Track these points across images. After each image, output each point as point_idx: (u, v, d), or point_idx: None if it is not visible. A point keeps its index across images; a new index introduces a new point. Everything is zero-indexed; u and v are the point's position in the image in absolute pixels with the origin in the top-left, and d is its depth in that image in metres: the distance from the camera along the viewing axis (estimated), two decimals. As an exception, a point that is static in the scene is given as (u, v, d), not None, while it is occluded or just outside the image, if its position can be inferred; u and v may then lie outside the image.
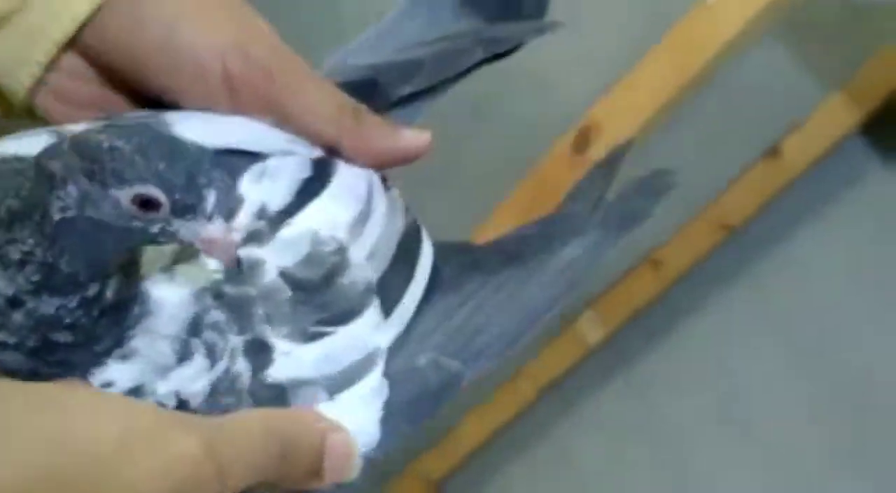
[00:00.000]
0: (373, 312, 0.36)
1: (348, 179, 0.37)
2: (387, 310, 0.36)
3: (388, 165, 0.39)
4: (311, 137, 0.37)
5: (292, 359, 0.33)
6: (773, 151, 1.06)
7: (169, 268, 0.33)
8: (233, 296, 0.33)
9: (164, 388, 0.32)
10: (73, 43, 0.37)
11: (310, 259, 0.34)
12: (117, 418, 0.27)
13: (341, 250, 0.35)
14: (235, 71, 0.36)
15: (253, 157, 0.36)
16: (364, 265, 0.36)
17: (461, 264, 0.40)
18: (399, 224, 0.39)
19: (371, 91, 0.40)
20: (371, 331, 0.35)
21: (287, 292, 0.33)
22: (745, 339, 1.13)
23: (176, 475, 0.26)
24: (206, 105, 0.37)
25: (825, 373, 1.07)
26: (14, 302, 0.30)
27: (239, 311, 0.33)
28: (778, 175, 1.05)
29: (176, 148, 0.29)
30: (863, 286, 1.05)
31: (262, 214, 0.34)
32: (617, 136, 0.92)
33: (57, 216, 0.29)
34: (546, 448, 1.31)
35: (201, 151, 0.30)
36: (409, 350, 0.37)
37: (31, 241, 0.29)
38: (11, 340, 0.30)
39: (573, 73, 1.11)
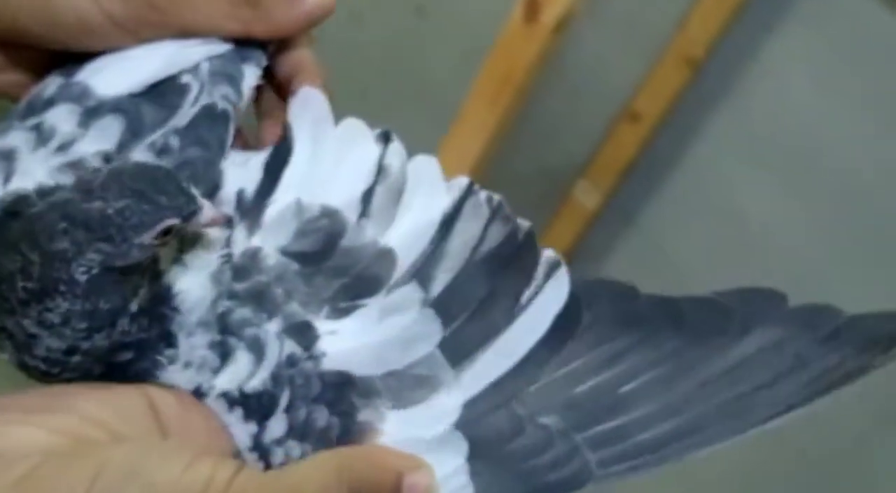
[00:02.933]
0: (411, 288, 0.34)
1: (307, 145, 0.37)
2: (446, 313, 0.34)
3: (299, 32, 0.38)
4: (220, 36, 0.37)
5: (340, 339, 0.33)
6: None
7: (179, 259, 0.34)
8: (247, 289, 0.33)
9: (221, 386, 0.32)
10: None
11: (301, 231, 0.34)
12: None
13: (329, 213, 0.35)
14: (117, 12, 0.36)
15: (181, 83, 0.36)
16: (357, 226, 0.35)
17: (615, 309, 0.36)
18: (423, 190, 0.36)
19: None
20: (418, 315, 0.34)
21: (295, 266, 0.33)
22: (738, 167, 1.14)
23: None
24: (110, 47, 0.37)
25: (820, 184, 1.08)
26: (70, 351, 0.31)
27: (259, 299, 0.33)
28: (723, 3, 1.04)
29: (160, 175, 0.31)
30: (834, 93, 1.06)
31: (241, 202, 0.35)
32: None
33: (83, 278, 0.30)
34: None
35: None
36: (519, 401, 0.34)
37: (65, 304, 0.30)
38: (75, 375, 0.32)
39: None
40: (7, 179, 0.33)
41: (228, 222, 0.34)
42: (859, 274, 1.06)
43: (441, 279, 0.34)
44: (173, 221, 0.31)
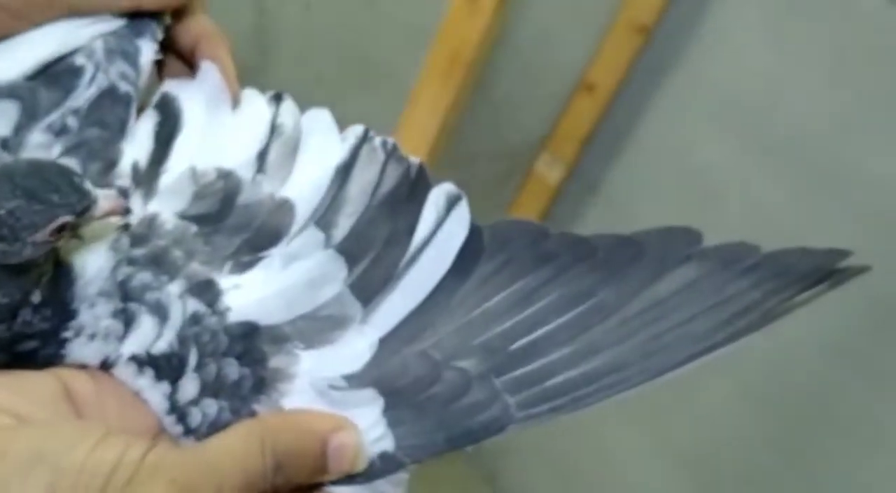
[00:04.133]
0: (311, 233, 0.35)
1: (200, 114, 0.37)
2: (351, 255, 0.34)
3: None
4: (111, 12, 0.38)
5: (245, 291, 0.33)
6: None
7: (76, 235, 0.34)
8: (146, 254, 0.34)
9: (128, 352, 0.32)
10: None
11: (198, 195, 0.35)
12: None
13: (224, 175, 0.35)
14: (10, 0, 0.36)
15: (75, 65, 0.36)
16: (253, 183, 0.35)
17: (528, 248, 0.36)
18: (315, 142, 0.37)
19: None
20: (322, 257, 0.34)
21: (193, 228, 0.34)
22: (695, 127, 1.15)
23: None
24: (4, 35, 0.37)
25: (775, 137, 1.09)
26: None
27: (158, 262, 0.33)
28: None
29: (52, 173, 0.31)
30: (785, 47, 1.07)
31: (136, 173, 0.35)
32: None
33: None
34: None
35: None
36: (425, 334, 0.34)
37: None
38: None
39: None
40: None
41: (124, 194, 0.34)
42: (819, 220, 1.08)
43: (343, 224, 0.35)
44: (66, 219, 0.31)
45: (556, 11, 1.23)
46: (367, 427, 0.32)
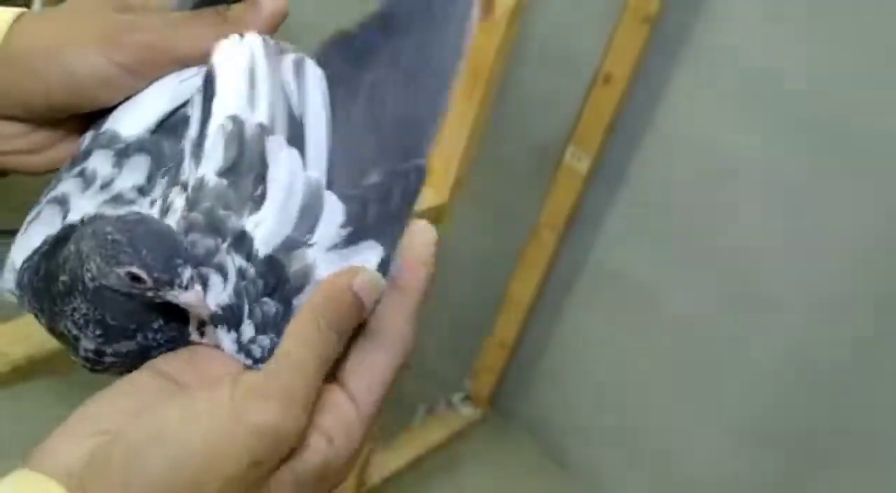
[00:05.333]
0: (289, 154, 0.39)
1: (229, 71, 0.42)
2: (302, 148, 0.40)
3: (270, 32, 0.44)
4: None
5: (263, 226, 0.38)
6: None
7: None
8: (203, 220, 0.39)
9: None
10: None
11: (225, 146, 0.40)
12: (200, 417, 0.33)
13: (234, 119, 0.40)
14: (123, 59, 0.42)
15: (185, 115, 0.43)
16: (253, 117, 0.40)
17: (346, 60, 0.42)
18: (285, 70, 0.42)
19: None
20: (300, 171, 0.39)
21: (225, 181, 0.39)
22: (714, 106, 1.20)
23: (261, 445, 0.33)
24: (123, 94, 0.43)
25: (793, 113, 1.14)
26: (99, 353, 0.38)
27: (214, 226, 0.38)
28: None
29: (161, 238, 0.37)
30: (784, 22, 1.11)
31: (192, 140, 0.41)
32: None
33: (90, 285, 0.37)
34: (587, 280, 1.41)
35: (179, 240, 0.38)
36: (354, 169, 0.40)
37: (83, 306, 0.37)
38: (121, 369, 0.39)
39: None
40: (64, 218, 0.41)
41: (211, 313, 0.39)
42: (840, 196, 1.12)
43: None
44: (140, 272, 0.36)
45: (567, 7, 1.29)
46: (374, 261, 0.38)
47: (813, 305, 1.18)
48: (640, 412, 1.41)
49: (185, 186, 0.40)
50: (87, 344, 0.39)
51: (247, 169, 0.39)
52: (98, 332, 0.38)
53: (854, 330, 1.15)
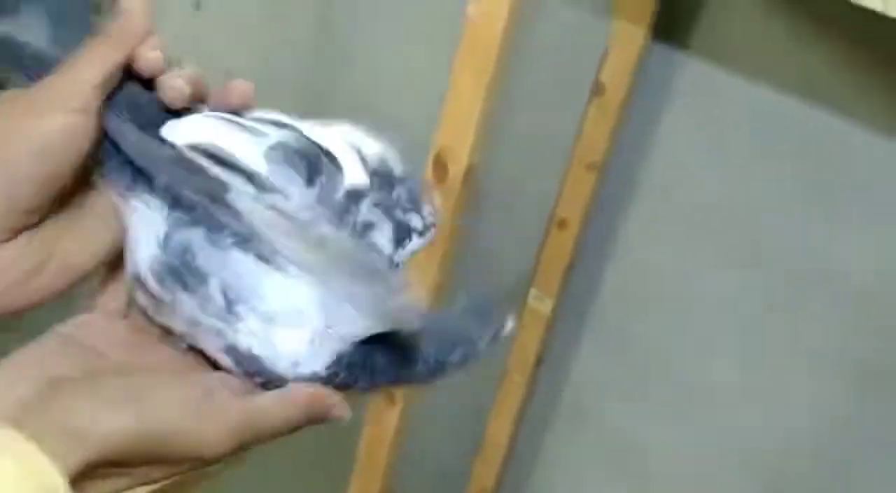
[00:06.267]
0: None
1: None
2: None
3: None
4: None
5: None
6: (598, 88, 1.17)
7: None
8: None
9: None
10: None
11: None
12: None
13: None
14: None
15: None
16: None
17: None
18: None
19: None
20: None
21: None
22: (669, 246, 1.25)
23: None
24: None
25: (742, 245, 1.18)
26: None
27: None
28: (606, 111, 1.17)
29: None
30: (724, 157, 1.17)
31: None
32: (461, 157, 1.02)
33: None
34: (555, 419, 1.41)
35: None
36: None
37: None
38: None
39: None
40: None
41: None
42: (801, 321, 1.15)
43: None
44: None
45: (520, 158, 1.35)
46: None
47: (779, 438, 1.19)
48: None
49: None
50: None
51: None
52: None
53: (829, 460, 1.17)
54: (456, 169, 1.06)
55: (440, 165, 1.07)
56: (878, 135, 1.05)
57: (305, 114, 0.47)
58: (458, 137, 1.05)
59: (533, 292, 1.34)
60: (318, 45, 1.52)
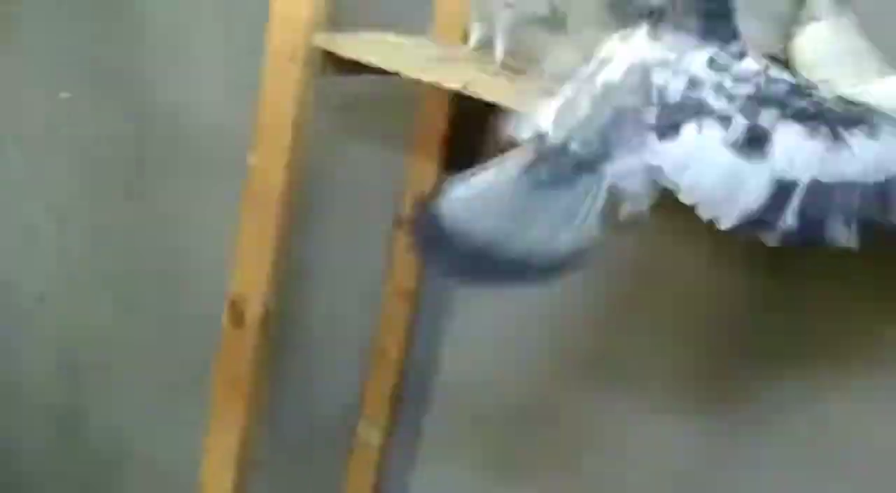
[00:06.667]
0: None
1: None
2: None
3: None
4: None
5: None
6: (398, 220, 1.18)
7: None
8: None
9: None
10: None
11: None
12: None
13: None
14: None
15: None
16: None
17: None
18: None
19: None
20: None
21: None
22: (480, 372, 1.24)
23: None
24: None
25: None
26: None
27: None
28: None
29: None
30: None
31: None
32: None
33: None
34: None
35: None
36: None
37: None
38: None
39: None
40: None
41: None
42: None
43: None
44: None
45: (334, 289, 1.33)
46: None
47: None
48: None
49: None
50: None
51: None
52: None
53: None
54: (252, 315, 1.04)
55: (236, 312, 1.05)
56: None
57: None
58: (251, 284, 1.03)
59: (362, 421, 1.31)
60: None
